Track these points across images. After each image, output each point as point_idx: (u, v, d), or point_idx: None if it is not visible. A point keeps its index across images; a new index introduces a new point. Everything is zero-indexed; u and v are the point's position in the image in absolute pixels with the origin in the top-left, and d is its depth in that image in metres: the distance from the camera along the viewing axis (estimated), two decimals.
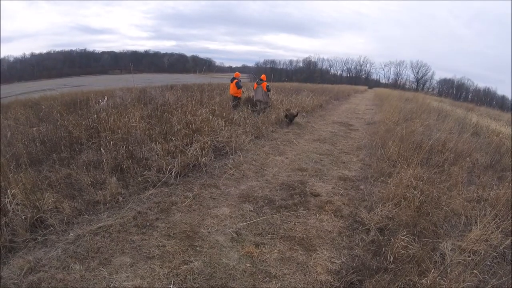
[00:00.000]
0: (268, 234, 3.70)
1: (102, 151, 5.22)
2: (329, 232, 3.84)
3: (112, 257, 3.15)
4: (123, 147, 5.35)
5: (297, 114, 10.64)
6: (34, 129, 6.36)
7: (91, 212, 3.95)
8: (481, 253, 3.43)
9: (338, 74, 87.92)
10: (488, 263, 3.45)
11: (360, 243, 3.63)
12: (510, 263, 3.55)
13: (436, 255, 3.39)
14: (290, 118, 10.22)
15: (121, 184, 4.54)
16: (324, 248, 3.50)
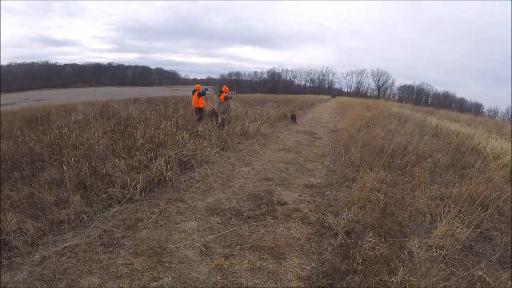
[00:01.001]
0: (237, 245, 3.67)
1: (65, 168, 5.03)
2: (297, 239, 3.88)
3: (80, 278, 3.02)
4: (86, 163, 5.15)
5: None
6: None
7: (56, 232, 3.77)
8: (447, 247, 3.58)
9: (301, 84, 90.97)
10: (456, 256, 3.61)
11: (328, 248, 3.68)
12: (477, 254, 3.72)
13: (404, 253, 3.51)
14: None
15: (85, 202, 4.36)
16: (293, 255, 3.53)
